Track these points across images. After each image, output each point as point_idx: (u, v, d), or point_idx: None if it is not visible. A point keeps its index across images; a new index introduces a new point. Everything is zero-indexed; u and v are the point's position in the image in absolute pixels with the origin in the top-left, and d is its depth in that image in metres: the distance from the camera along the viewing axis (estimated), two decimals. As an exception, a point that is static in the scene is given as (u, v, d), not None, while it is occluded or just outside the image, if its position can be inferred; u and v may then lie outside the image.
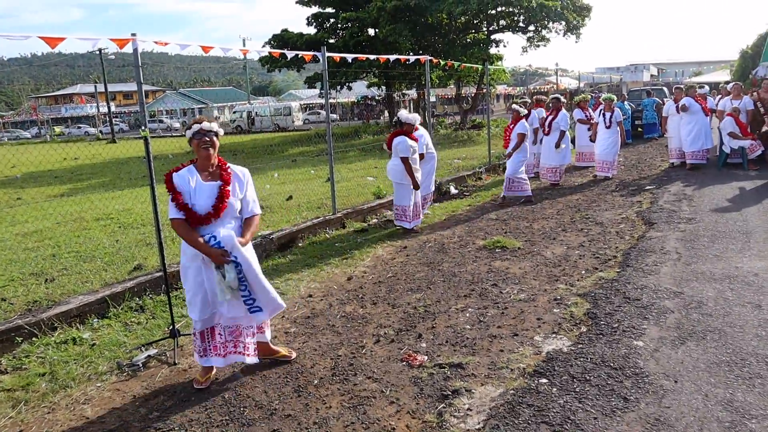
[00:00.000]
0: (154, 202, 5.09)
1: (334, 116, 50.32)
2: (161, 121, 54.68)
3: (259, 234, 7.60)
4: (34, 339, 4.78)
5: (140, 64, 5.40)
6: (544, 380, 3.70)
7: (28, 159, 21.23)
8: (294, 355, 4.26)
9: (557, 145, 10.78)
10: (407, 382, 3.82)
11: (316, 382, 3.91)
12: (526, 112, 9.76)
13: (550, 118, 11.03)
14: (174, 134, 45.27)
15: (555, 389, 3.57)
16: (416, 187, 7.68)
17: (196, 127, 3.74)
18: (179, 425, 3.46)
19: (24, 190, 16.19)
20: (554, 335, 4.40)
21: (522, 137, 9.42)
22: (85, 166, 22.61)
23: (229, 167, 3.87)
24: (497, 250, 6.80)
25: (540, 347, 4.21)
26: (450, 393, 3.62)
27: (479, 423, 3.28)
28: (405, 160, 7.52)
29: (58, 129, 57.34)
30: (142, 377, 4.17)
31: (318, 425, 3.38)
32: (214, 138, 3.77)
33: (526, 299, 5.18)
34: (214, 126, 3.78)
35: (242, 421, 3.46)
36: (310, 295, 5.67)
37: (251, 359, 3.93)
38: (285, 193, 11.35)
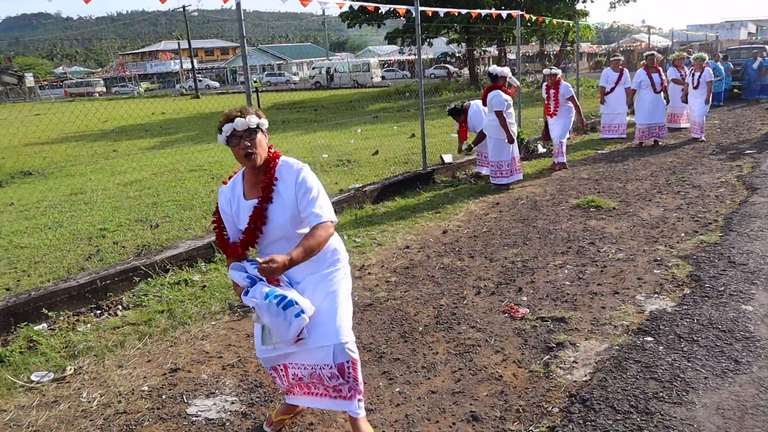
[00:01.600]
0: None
1: (406, 72, 49.91)
2: (281, 74, 55.63)
3: (352, 186, 7.82)
4: (149, 279, 5.18)
5: (242, 18, 5.59)
6: (649, 338, 3.73)
7: (119, 114, 22.28)
8: None
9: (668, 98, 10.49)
10: (511, 333, 3.94)
11: (420, 329, 4.08)
12: (560, 73, 9.12)
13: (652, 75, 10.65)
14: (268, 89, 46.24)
15: (661, 347, 3.60)
16: (511, 140, 7.65)
17: (227, 128, 2.57)
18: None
19: (118, 143, 17.11)
20: (656, 295, 4.38)
21: (574, 99, 8.98)
22: (172, 121, 23.55)
23: (277, 166, 2.68)
24: (591, 210, 6.73)
25: (642, 306, 4.21)
26: (554, 345, 3.71)
27: (586, 375, 3.36)
28: (499, 114, 7.50)
29: (144, 85, 59.61)
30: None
31: (426, 369, 3.55)
32: (257, 138, 2.59)
33: (625, 259, 5.15)
34: (253, 120, 2.58)
35: (357, 360, 3.68)
36: (407, 247, 5.84)
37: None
38: (370, 148, 11.52)
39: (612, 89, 11.25)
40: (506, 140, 7.64)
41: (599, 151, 10.53)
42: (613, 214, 6.49)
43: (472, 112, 8.40)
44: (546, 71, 9.07)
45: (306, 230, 2.63)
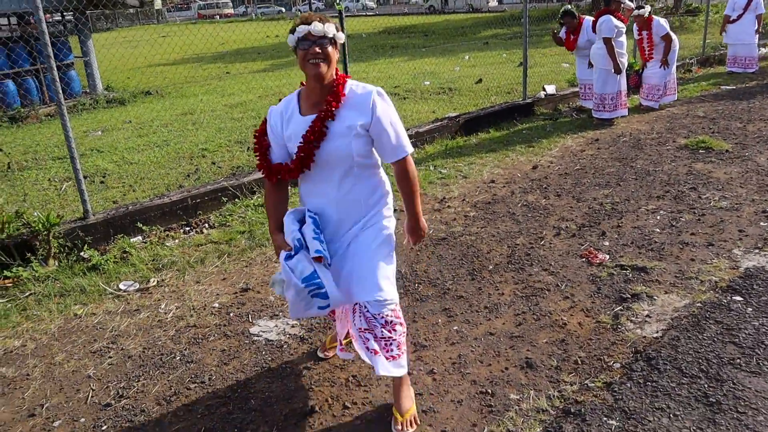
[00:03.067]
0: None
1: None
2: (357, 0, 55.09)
3: (446, 116, 7.61)
4: (236, 200, 5.38)
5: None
6: (738, 297, 3.40)
7: (235, 36, 22.86)
8: (411, 430, 2.60)
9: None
10: (585, 279, 3.74)
11: (491, 267, 3.98)
12: (648, 10, 7.83)
13: None
14: (368, 13, 45.72)
15: (750, 309, 3.28)
16: (618, 71, 7.07)
17: (301, 29, 2.31)
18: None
19: (232, 65, 17.66)
20: (757, 251, 3.97)
21: (669, 39, 7.81)
22: (284, 44, 23.80)
23: (347, 86, 2.42)
24: (701, 151, 6.14)
25: (738, 261, 3.84)
26: (629, 296, 3.49)
27: (658, 331, 3.14)
28: (608, 41, 6.93)
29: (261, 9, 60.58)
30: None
31: (489, 310, 3.47)
32: (328, 48, 2.33)
33: (729, 208, 4.69)
34: (330, 28, 2.32)
35: (416, 296, 3.66)
36: (493, 181, 5.65)
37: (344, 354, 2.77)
38: (475, 77, 11.14)
39: (739, 16, 10.02)
40: (613, 71, 7.07)
41: (723, 86, 9.52)
42: (725, 158, 5.89)
43: (587, 25, 7.72)
44: (635, 11, 7.87)
45: (368, 161, 2.45)
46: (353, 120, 2.37)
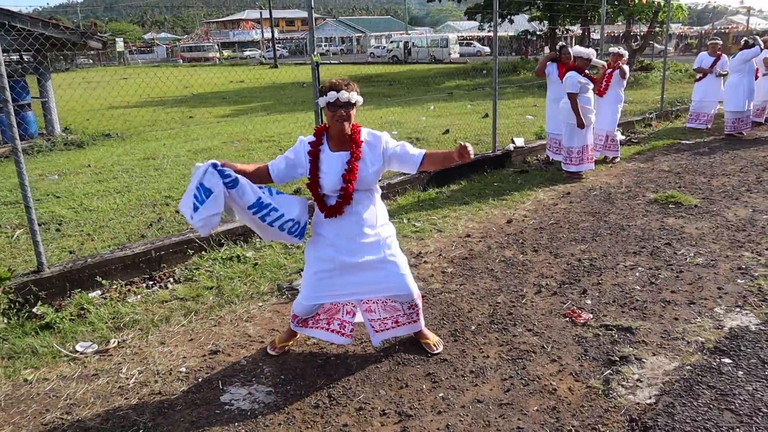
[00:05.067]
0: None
1: (487, 49, 48.68)
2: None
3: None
4: (203, 252, 5.14)
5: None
6: (727, 360, 3.33)
7: (199, 80, 22.76)
8: (439, 349, 3.57)
9: None
10: (570, 340, 3.63)
11: (473, 328, 3.83)
12: (626, 55, 8.25)
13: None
14: (332, 61, 46.32)
15: (741, 372, 3.20)
16: (581, 125, 7.17)
17: (332, 95, 3.01)
18: (335, 355, 3.56)
19: (195, 109, 17.46)
20: (739, 309, 3.94)
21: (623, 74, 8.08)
22: (249, 89, 23.86)
23: (360, 132, 3.19)
24: (670, 206, 6.21)
25: (721, 321, 3.79)
26: (617, 359, 3.38)
27: (651, 397, 3.03)
28: (572, 96, 7.05)
29: (226, 53, 60.85)
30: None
31: (474, 374, 3.31)
32: (351, 111, 3.07)
33: (705, 264, 4.69)
34: (354, 96, 3.04)
35: (397, 359, 3.48)
36: (468, 235, 5.56)
37: (343, 339, 3.48)
38: (441, 127, 11.20)
39: (704, 75, 10.42)
40: (576, 125, 7.19)
41: (683, 141, 9.79)
42: (695, 213, 5.96)
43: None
44: (612, 49, 8.29)
45: (376, 187, 3.34)
46: (372, 157, 3.18)
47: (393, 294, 3.35)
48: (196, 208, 3.03)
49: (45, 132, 12.34)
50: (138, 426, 2.96)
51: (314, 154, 3.17)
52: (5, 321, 4.03)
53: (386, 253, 3.29)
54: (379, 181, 6.77)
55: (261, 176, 3.25)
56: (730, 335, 3.60)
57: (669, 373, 3.23)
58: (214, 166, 3.06)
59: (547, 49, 31.05)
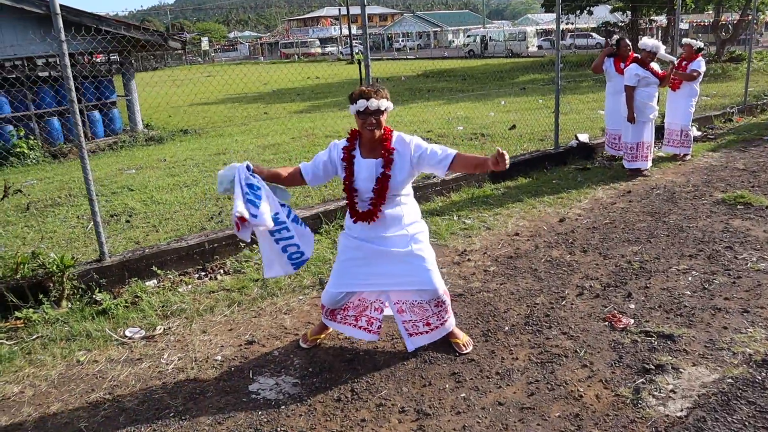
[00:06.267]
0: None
1: (565, 42, 47.17)
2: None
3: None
4: (254, 245, 5.29)
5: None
6: (775, 373, 3.13)
7: (277, 77, 23.39)
8: (469, 349, 3.56)
9: None
10: (606, 345, 3.51)
11: (506, 328, 3.78)
12: (701, 45, 7.75)
13: None
14: (408, 56, 46.36)
15: (788, 387, 3.00)
16: (630, 119, 6.92)
17: (361, 104, 3.04)
18: (364, 351, 3.60)
19: (270, 106, 17.97)
20: (799, 319, 3.68)
21: (693, 76, 7.65)
22: (324, 86, 24.30)
23: (391, 138, 3.21)
24: (739, 207, 5.85)
25: (777, 331, 3.56)
26: (653, 367, 3.25)
27: (682, 410, 2.89)
28: (627, 89, 6.81)
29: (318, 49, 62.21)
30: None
31: (500, 376, 3.27)
32: (381, 118, 3.11)
33: (767, 270, 4.41)
34: (384, 103, 3.07)
35: (425, 357, 3.48)
36: (517, 234, 5.47)
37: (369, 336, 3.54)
38: (509, 122, 11.02)
39: None
40: (627, 119, 6.93)
41: (765, 138, 9.17)
42: (765, 215, 5.58)
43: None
44: (685, 41, 7.91)
45: (408, 189, 3.36)
46: (403, 163, 3.20)
47: (418, 288, 3.35)
48: (257, 206, 3.00)
49: (128, 128, 13.08)
50: (170, 409, 3.13)
51: (348, 160, 3.23)
52: (69, 305, 4.34)
53: (413, 247, 3.31)
54: (434, 177, 6.80)
55: (294, 179, 3.32)
56: (783, 347, 3.38)
57: (706, 386, 3.07)
58: (248, 168, 3.11)
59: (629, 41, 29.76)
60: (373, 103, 3.04)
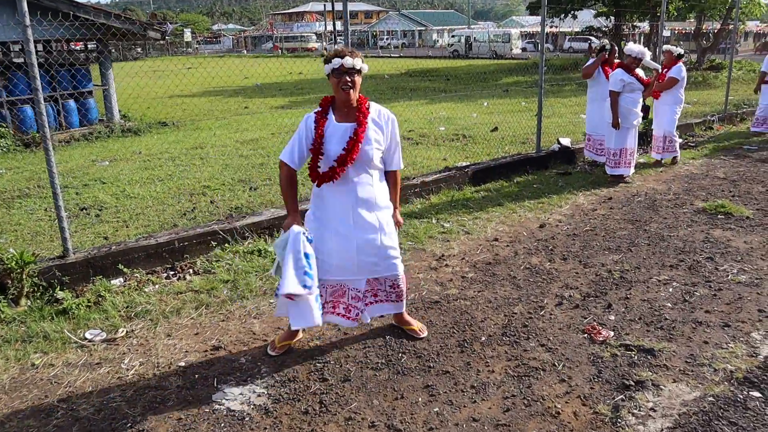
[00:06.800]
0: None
1: (549, 45, 47.27)
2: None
3: (454, 166, 7.38)
4: (226, 245, 5.13)
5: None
6: (756, 393, 3.05)
7: (259, 71, 23.09)
8: (425, 334, 3.67)
9: None
10: (585, 359, 3.41)
11: (483, 339, 3.66)
12: (680, 52, 7.79)
13: None
14: (392, 55, 46.19)
15: (769, 407, 2.92)
16: (614, 125, 6.87)
17: (336, 62, 3.01)
18: (335, 359, 3.46)
19: (251, 100, 17.71)
20: (779, 335, 3.62)
21: (669, 82, 7.68)
22: (307, 81, 24.05)
23: (368, 106, 3.17)
24: (719, 216, 5.81)
25: (757, 348, 3.49)
26: (633, 384, 3.15)
27: (662, 430, 2.79)
28: (612, 94, 6.76)
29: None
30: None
31: (475, 390, 3.14)
32: (356, 77, 3.06)
33: (748, 282, 4.34)
34: (358, 62, 3.03)
35: (398, 368, 3.35)
36: (496, 239, 5.36)
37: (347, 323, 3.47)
38: (491, 124, 10.94)
39: None
40: (611, 124, 6.88)
41: (745, 147, 9.19)
42: (745, 225, 5.54)
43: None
44: (665, 47, 7.89)
45: (380, 172, 3.31)
46: (377, 135, 3.17)
47: (381, 276, 3.40)
48: (311, 276, 2.99)
49: (104, 119, 12.76)
50: (127, 419, 2.96)
51: (320, 123, 3.14)
52: (27, 304, 4.14)
53: (382, 239, 3.32)
54: (413, 179, 6.68)
55: (294, 180, 3.26)
56: (764, 365, 3.30)
57: (687, 404, 2.98)
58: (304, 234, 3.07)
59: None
60: (348, 61, 3.00)
